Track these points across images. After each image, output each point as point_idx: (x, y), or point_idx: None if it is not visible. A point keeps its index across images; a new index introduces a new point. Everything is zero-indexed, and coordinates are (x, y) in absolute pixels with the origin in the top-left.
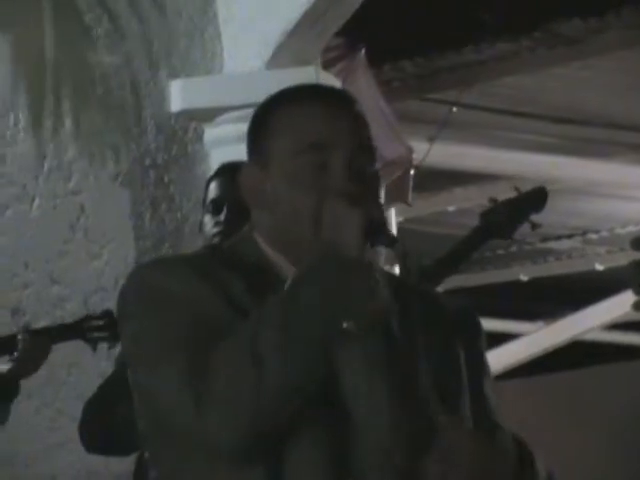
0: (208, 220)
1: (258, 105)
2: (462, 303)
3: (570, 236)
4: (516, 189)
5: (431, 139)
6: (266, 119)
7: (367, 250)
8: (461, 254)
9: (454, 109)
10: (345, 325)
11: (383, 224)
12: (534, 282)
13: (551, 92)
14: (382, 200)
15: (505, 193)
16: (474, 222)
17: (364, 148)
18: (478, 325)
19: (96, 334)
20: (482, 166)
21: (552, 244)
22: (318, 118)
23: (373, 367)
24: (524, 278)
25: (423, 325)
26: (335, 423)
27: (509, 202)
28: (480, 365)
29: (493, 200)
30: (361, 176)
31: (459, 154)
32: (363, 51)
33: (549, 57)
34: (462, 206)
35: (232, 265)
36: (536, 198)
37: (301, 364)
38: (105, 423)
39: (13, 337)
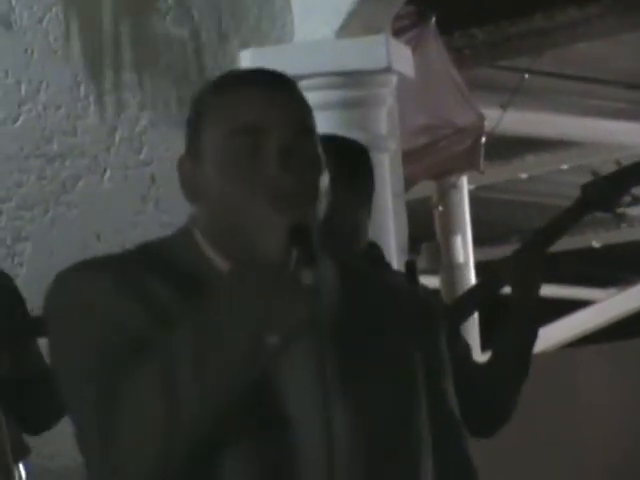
0: None
1: (193, 97)
2: (418, 293)
3: None
4: (616, 162)
5: (503, 106)
6: (199, 107)
7: (292, 254)
8: (562, 225)
9: (526, 76)
10: (268, 339)
11: (309, 231)
12: (606, 249)
13: (622, 58)
14: (321, 190)
15: (577, 159)
16: (546, 189)
17: (302, 131)
18: (435, 318)
19: None
20: (554, 133)
21: (625, 210)
22: (251, 101)
23: (310, 387)
24: (596, 244)
25: (372, 326)
26: (269, 449)
27: (611, 175)
28: (439, 365)
29: (594, 173)
30: (296, 162)
31: (531, 121)
32: (433, 19)
33: (619, 23)
34: (534, 173)
35: (163, 266)
36: (638, 171)
37: (219, 389)
38: None
39: None
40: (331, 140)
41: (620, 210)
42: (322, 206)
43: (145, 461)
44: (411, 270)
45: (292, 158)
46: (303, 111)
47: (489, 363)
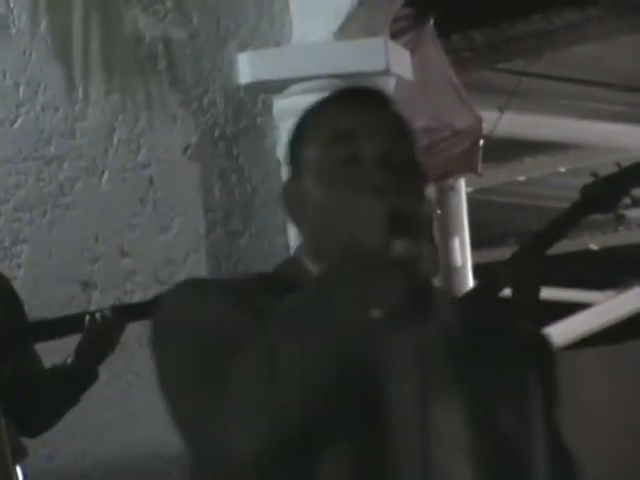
0: None
1: (295, 121)
2: (535, 330)
3: None
4: (616, 164)
5: (501, 109)
6: (299, 129)
7: (396, 246)
8: (561, 227)
9: (523, 78)
10: (372, 313)
11: (412, 216)
12: (604, 251)
13: (621, 60)
14: (421, 191)
15: (575, 162)
16: (544, 192)
17: (398, 136)
18: (553, 356)
19: None
20: (552, 135)
21: (624, 212)
22: (346, 112)
23: (416, 393)
24: (594, 247)
25: (484, 357)
26: (367, 452)
27: (610, 176)
28: (553, 401)
29: (594, 174)
30: (394, 166)
31: (529, 123)
32: (432, 21)
33: (617, 26)
34: (532, 176)
35: (274, 289)
36: (637, 172)
37: (324, 369)
38: None
39: (85, 315)
40: None
41: (620, 212)
42: (424, 204)
43: (258, 438)
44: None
45: (390, 162)
46: (399, 118)
47: None
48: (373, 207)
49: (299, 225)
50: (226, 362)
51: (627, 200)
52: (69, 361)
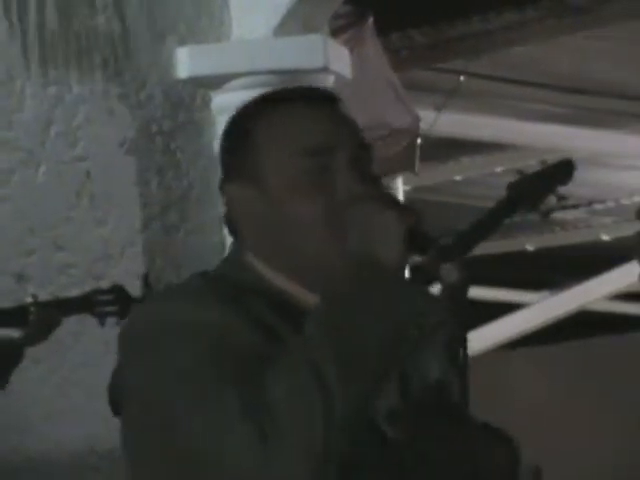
0: None
1: (232, 116)
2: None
3: (576, 206)
4: (542, 162)
5: (438, 108)
6: (247, 130)
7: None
8: (487, 226)
9: (462, 78)
10: (410, 331)
11: (423, 231)
12: (540, 252)
13: (559, 62)
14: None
15: (512, 162)
16: (481, 191)
17: (364, 147)
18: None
19: (105, 308)
20: (489, 135)
21: (558, 214)
22: (311, 120)
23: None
24: (530, 248)
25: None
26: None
27: (536, 174)
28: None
29: (519, 172)
30: (368, 177)
31: (466, 123)
32: (371, 19)
33: (557, 27)
34: (469, 175)
35: (243, 294)
36: (563, 170)
37: (367, 387)
38: None
39: (22, 308)
40: None
41: (545, 208)
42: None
43: (309, 465)
44: None
45: (363, 174)
46: (358, 126)
47: None
48: (391, 217)
49: (250, 233)
50: (259, 378)
51: (553, 197)
52: None
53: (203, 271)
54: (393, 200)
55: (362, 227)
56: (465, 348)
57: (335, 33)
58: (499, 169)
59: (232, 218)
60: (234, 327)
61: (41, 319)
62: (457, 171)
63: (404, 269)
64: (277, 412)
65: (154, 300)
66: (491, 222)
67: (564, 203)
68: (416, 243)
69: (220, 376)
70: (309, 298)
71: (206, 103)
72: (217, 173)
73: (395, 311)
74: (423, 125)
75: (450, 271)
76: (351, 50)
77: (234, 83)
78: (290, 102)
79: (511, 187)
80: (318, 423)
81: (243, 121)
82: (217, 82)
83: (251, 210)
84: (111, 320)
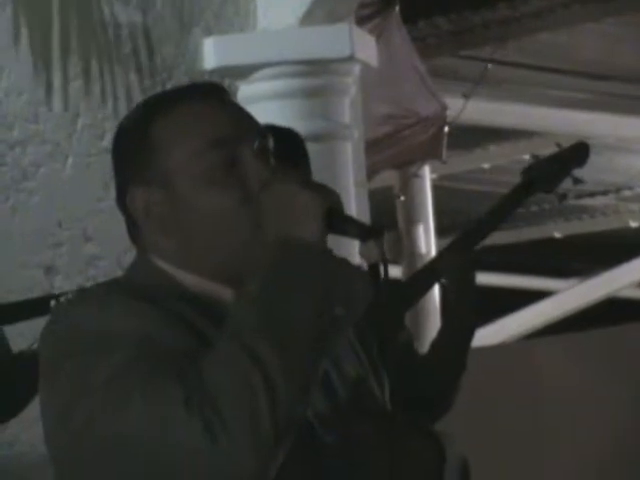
0: None
1: (125, 118)
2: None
3: (604, 193)
4: (557, 145)
5: (465, 96)
6: (146, 131)
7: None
8: (503, 211)
9: (489, 66)
10: (336, 310)
11: (343, 211)
12: (568, 239)
13: (585, 48)
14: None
15: (539, 149)
16: (508, 179)
17: (265, 136)
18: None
19: None
20: (516, 123)
21: (586, 201)
22: (209, 115)
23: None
24: (558, 235)
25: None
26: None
27: (551, 157)
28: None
29: (534, 156)
30: (276, 164)
31: (493, 111)
32: (397, 8)
33: (583, 13)
34: (496, 163)
35: (156, 296)
36: (578, 153)
37: (304, 367)
38: None
39: (49, 299)
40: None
41: (562, 191)
42: None
43: (258, 452)
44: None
45: (269, 158)
46: (252, 115)
47: (426, 356)
48: (314, 201)
49: (155, 233)
50: (196, 369)
51: (569, 180)
52: (34, 347)
53: (113, 278)
54: (309, 182)
55: (279, 210)
56: (383, 332)
57: (361, 22)
58: (526, 156)
59: (135, 223)
60: (156, 325)
61: None
62: (484, 159)
63: (326, 247)
64: (220, 400)
65: (72, 305)
66: (508, 207)
67: (589, 189)
68: (336, 223)
69: (155, 370)
70: (224, 293)
71: (233, 93)
72: None
73: (322, 290)
74: (450, 113)
75: (370, 250)
76: (377, 39)
77: (260, 73)
78: (182, 100)
79: (525, 171)
80: (263, 406)
81: (138, 125)
82: (243, 72)
83: (158, 213)
84: None
